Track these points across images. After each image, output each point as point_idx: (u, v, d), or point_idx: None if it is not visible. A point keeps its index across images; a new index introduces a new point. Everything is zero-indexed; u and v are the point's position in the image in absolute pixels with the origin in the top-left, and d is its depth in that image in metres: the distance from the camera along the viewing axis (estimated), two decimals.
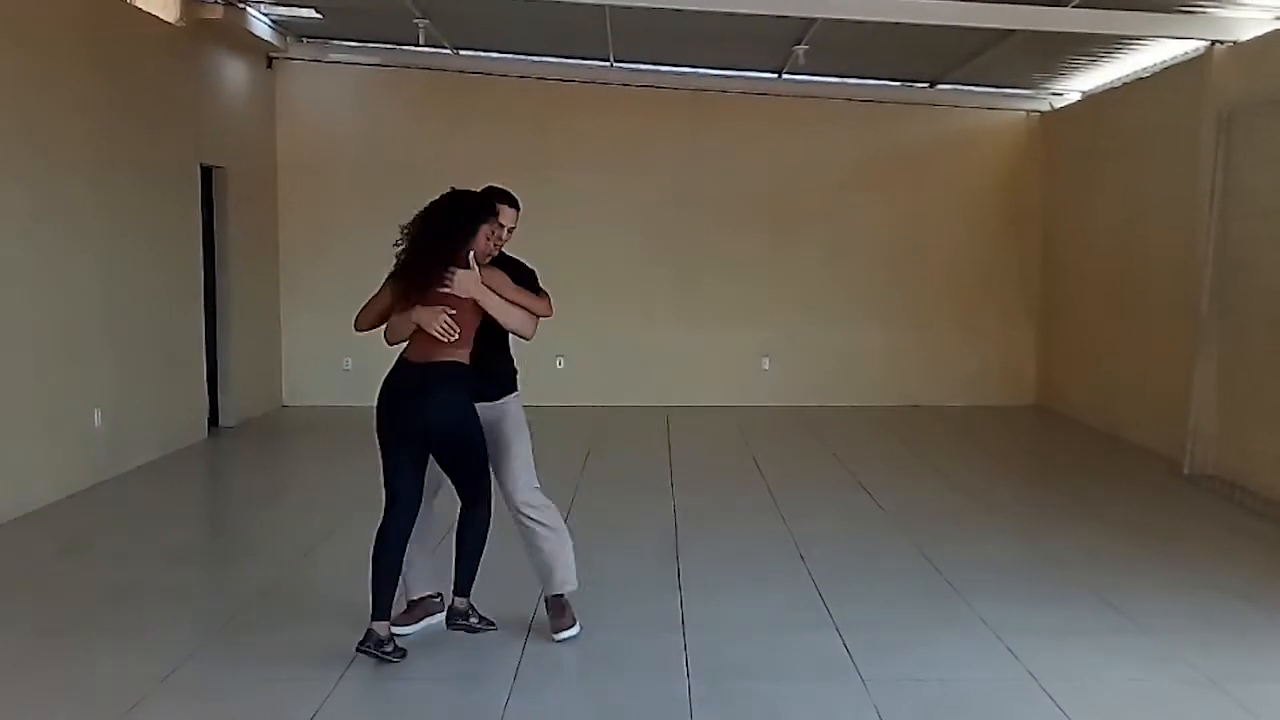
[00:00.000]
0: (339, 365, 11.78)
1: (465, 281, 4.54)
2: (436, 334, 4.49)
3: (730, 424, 10.88)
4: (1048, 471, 9.47)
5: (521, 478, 4.84)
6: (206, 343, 9.91)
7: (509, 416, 4.88)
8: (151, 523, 7.08)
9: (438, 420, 4.57)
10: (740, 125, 11.90)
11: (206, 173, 9.99)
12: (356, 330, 4.86)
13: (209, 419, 9.97)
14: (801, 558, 6.17)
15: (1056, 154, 11.80)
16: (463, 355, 4.58)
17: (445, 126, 11.74)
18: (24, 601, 5.48)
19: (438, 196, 4.80)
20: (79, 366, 7.76)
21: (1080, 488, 8.31)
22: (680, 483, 8.22)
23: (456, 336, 4.53)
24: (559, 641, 4.83)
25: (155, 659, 4.58)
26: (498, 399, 4.86)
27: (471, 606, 4.91)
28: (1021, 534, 6.89)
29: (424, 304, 4.54)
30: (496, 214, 4.78)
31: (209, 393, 9.99)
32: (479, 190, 4.84)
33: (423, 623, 4.91)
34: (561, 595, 4.92)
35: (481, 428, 4.69)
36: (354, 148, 11.76)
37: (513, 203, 4.87)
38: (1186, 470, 8.36)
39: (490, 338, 4.75)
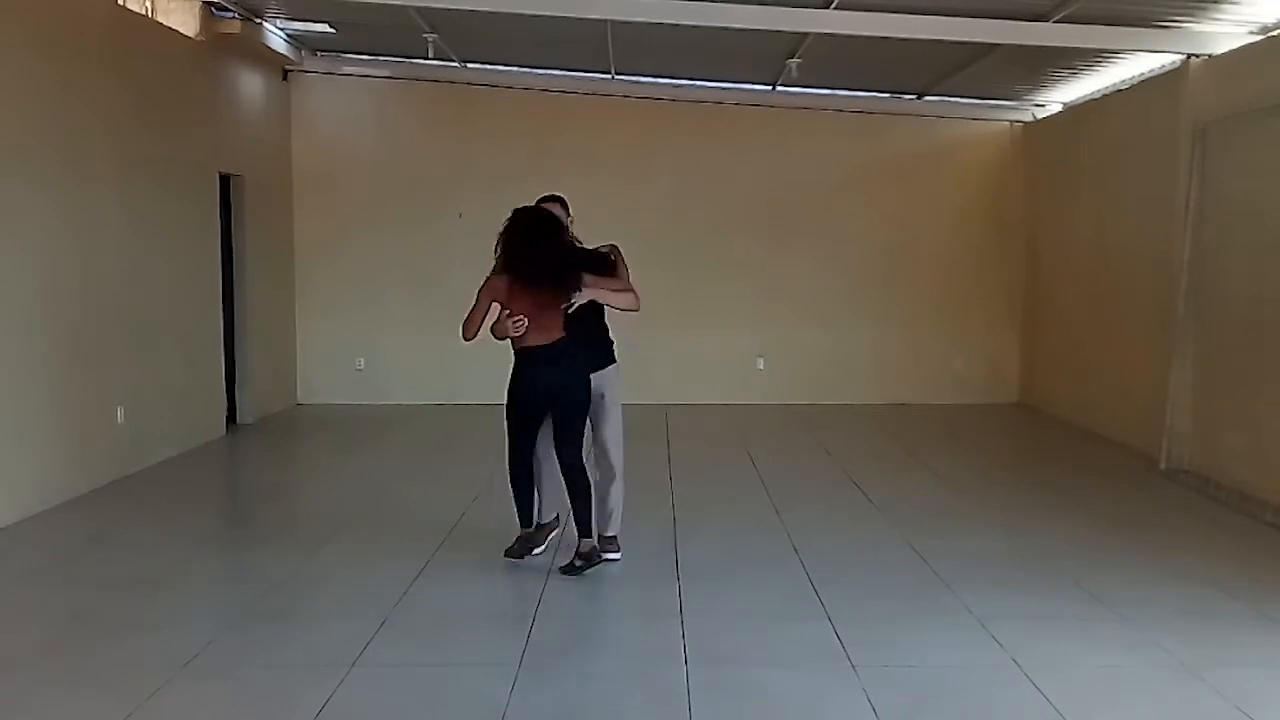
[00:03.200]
0: (352, 365, 11.80)
1: (581, 299, 5.56)
2: (517, 332, 5.50)
3: (726, 421, 10.88)
4: (1030, 467, 9.46)
5: (609, 433, 5.87)
6: (225, 343, 9.91)
7: (609, 384, 5.84)
8: (172, 516, 7.07)
9: (569, 381, 5.61)
10: (736, 135, 11.90)
11: (225, 180, 10.00)
12: (466, 340, 5.59)
13: (227, 416, 9.97)
14: (795, 549, 6.18)
15: (1039, 163, 11.81)
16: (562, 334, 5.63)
17: (453, 136, 11.75)
18: (51, 590, 5.50)
19: (519, 216, 5.61)
20: (102, 366, 7.77)
21: (1061, 482, 8.31)
22: (679, 477, 8.23)
23: (523, 330, 5.51)
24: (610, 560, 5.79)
25: (177, 645, 4.59)
26: (600, 369, 5.79)
27: (594, 549, 5.72)
28: (1006, 527, 6.89)
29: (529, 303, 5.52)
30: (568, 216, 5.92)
31: (227, 391, 10.00)
32: (539, 203, 5.83)
33: (547, 541, 5.97)
34: (606, 533, 5.90)
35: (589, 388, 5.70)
36: (366, 156, 11.77)
37: (558, 200, 5.95)
38: (1163, 466, 8.37)
39: (591, 321, 5.74)
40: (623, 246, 6.14)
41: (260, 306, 10.62)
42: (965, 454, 9.58)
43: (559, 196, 6.00)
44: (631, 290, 5.79)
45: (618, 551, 5.89)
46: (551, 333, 5.57)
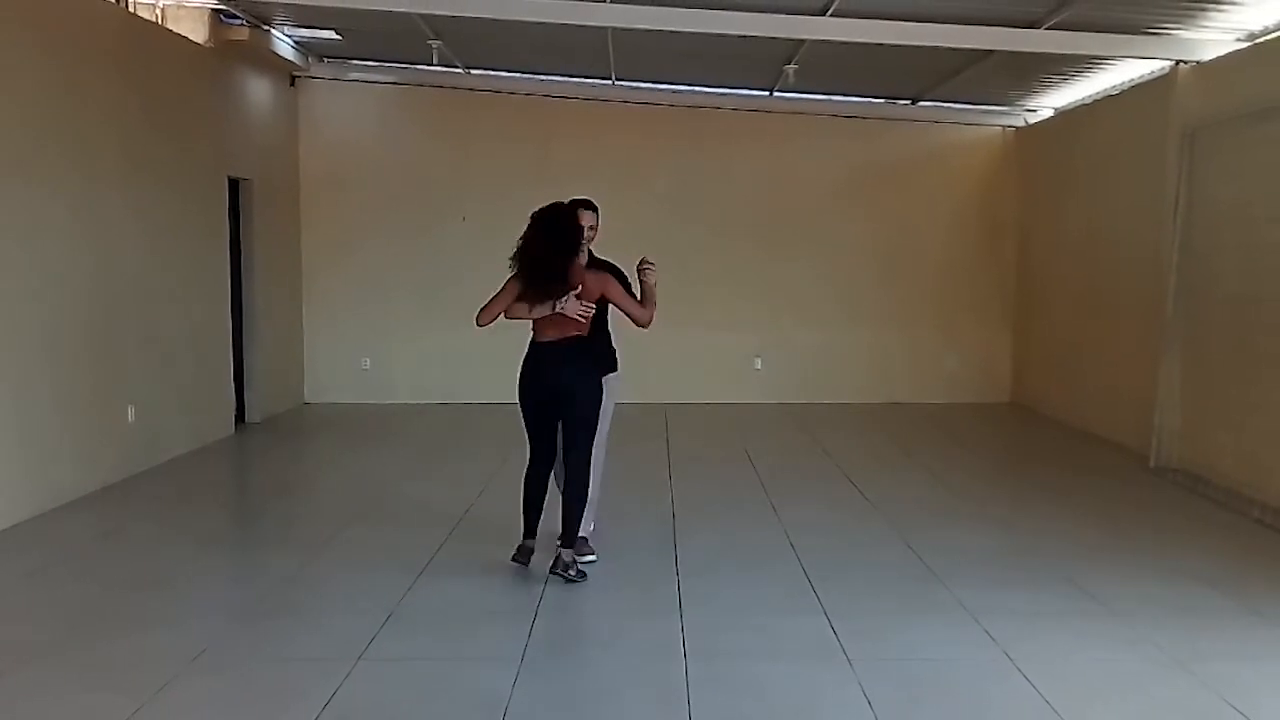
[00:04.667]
0: (358, 365, 11.79)
1: (571, 305, 5.30)
2: (578, 318, 5.33)
3: (724, 420, 10.88)
4: (1023, 465, 9.46)
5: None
6: (233, 343, 9.91)
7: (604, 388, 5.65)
8: (181, 513, 7.07)
9: (572, 382, 5.40)
10: (734, 139, 11.90)
11: (233, 184, 9.99)
12: (479, 325, 5.38)
13: (235, 415, 9.96)
14: (792, 546, 6.17)
15: (1031, 167, 11.80)
16: (585, 333, 5.45)
17: (457, 141, 11.75)
18: (61, 586, 5.49)
19: (542, 210, 5.40)
20: (112, 366, 7.76)
21: (1053, 480, 8.30)
22: (678, 475, 8.22)
23: (586, 321, 5.38)
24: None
25: (185, 640, 4.59)
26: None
27: (572, 562, 5.49)
28: (998, 523, 6.88)
29: (536, 305, 5.32)
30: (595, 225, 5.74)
31: (235, 391, 9.99)
32: (567, 203, 5.55)
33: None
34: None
35: (601, 391, 5.54)
36: (371, 161, 11.76)
37: (590, 206, 5.74)
38: (1153, 463, 8.36)
39: (592, 327, 5.50)
40: (623, 248, 6.12)
41: (268, 307, 10.61)
42: (959, 452, 9.57)
43: (591, 204, 5.80)
44: (642, 305, 5.55)
45: (593, 553, 5.78)
46: (566, 329, 5.37)
